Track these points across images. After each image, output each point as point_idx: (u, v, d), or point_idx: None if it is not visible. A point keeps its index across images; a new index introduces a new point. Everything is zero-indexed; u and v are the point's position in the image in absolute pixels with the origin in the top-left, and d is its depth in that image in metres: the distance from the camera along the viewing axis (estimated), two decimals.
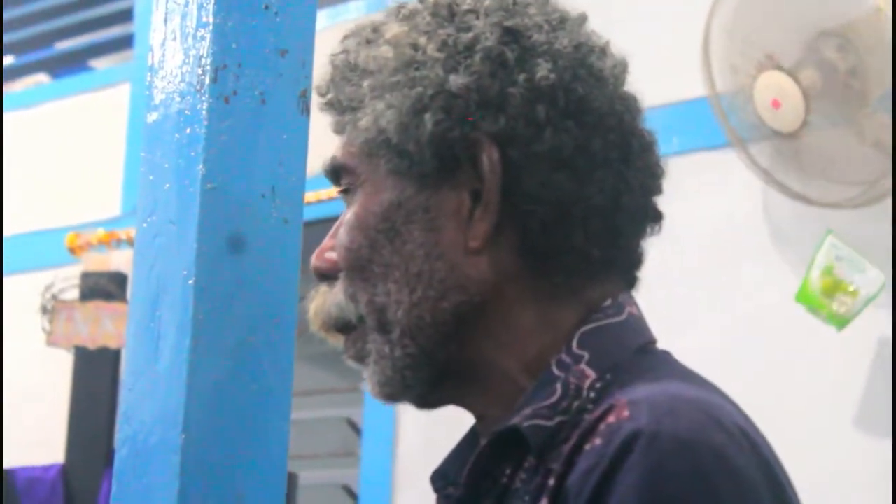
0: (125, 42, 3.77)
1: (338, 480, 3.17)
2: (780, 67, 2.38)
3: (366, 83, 1.04)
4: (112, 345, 3.05)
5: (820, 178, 2.41)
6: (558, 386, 0.99)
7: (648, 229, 1.07)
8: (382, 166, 1.04)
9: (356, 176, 1.06)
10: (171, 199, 0.82)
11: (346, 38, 1.09)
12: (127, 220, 3.35)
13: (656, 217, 1.08)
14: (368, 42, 1.06)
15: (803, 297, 2.37)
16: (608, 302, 1.04)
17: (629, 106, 1.06)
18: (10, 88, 3.96)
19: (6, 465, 3.10)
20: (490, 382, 1.04)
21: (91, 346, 3.07)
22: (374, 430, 3.00)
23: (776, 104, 2.38)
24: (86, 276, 3.11)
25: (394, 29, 1.05)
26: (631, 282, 1.08)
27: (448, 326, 1.02)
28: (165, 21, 0.86)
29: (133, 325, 0.83)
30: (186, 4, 0.84)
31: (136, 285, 0.83)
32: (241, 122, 0.82)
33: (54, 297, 3.09)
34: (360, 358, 1.06)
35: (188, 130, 0.82)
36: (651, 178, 1.07)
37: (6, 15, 3.89)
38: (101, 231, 3.15)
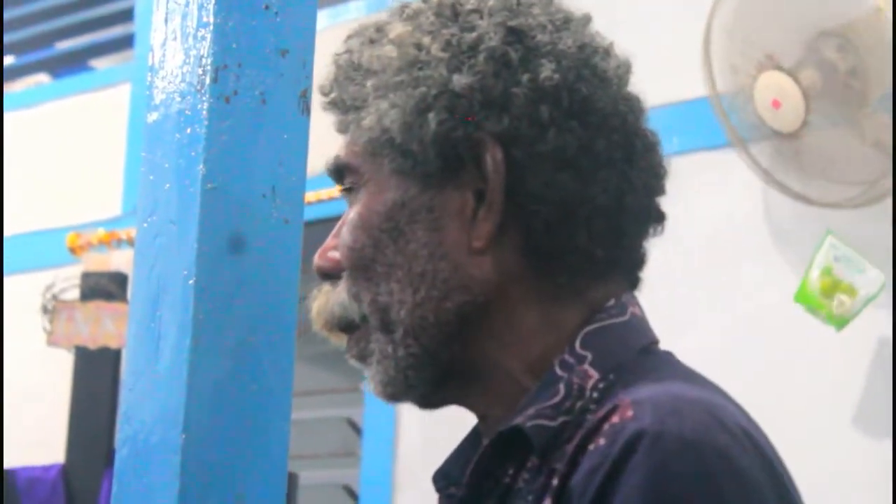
0: (126, 42, 3.77)
1: (338, 480, 3.17)
2: (780, 67, 2.38)
3: (369, 83, 1.04)
4: (112, 345, 3.05)
5: (820, 178, 2.41)
6: (561, 386, 0.99)
7: (651, 230, 1.08)
8: (386, 166, 1.04)
9: (359, 175, 1.06)
10: (171, 199, 0.82)
11: (349, 37, 1.09)
12: (127, 220, 3.35)
13: (659, 217, 1.08)
14: (372, 42, 1.06)
15: (802, 297, 2.37)
16: (611, 302, 1.04)
17: (633, 106, 1.06)
18: (11, 88, 3.96)
19: (7, 464, 3.10)
20: (493, 382, 1.04)
21: (91, 346, 3.07)
22: (374, 430, 3.00)
23: (776, 104, 2.38)
24: (86, 276, 3.11)
25: (397, 28, 1.05)
26: (633, 282, 1.08)
27: (451, 326, 1.02)
28: (166, 21, 0.86)
29: (134, 325, 0.83)
30: (187, 4, 0.84)
31: (136, 285, 0.84)
32: (242, 122, 0.82)
33: (55, 297, 3.09)
34: (363, 357, 1.06)
35: (189, 130, 0.82)
36: (654, 179, 1.07)
37: (6, 15, 3.89)
38: (101, 231, 3.16)
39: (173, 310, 0.80)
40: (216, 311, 0.80)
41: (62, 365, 3.20)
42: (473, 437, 1.09)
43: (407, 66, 1.03)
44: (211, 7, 0.83)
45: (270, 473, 0.80)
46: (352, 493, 3.11)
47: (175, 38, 0.85)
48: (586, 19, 1.08)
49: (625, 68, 1.07)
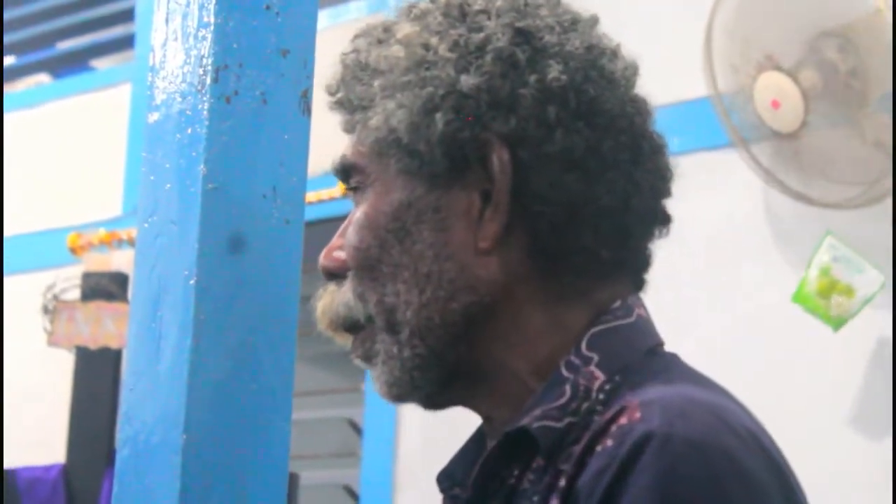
0: (126, 42, 3.77)
1: (339, 481, 3.17)
2: (779, 68, 2.38)
3: (377, 83, 1.04)
4: (113, 345, 3.05)
5: (820, 178, 2.41)
6: (567, 387, 0.99)
7: (657, 231, 1.08)
8: (393, 166, 1.04)
9: (366, 175, 1.06)
10: (172, 199, 0.82)
11: (356, 37, 1.09)
12: (128, 220, 3.35)
13: (665, 219, 1.08)
14: (380, 42, 1.06)
15: (800, 297, 2.37)
16: (617, 304, 1.04)
17: (640, 108, 1.06)
18: (12, 88, 3.96)
19: (7, 465, 3.10)
20: (498, 383, 1.04)
21: (92, 346, 3.07)
22: (374, 431, 3.00)
23: (775, 104, 2.38)
24: (87, 277, 3.11)
25: (405, 29, 1.05)
26: (639, 284, 1.08)
27: (457, 327, 1.02)
28: (167, 21, 0.86)
29: (134, 325, 0.83)
30: (188, 4, 0.84)
31: (137, 285, 0.84)
32: (243, 123, 0.82)
33: (55, 298, 3.09)
34: (368, 358, 1.06)
35: (189, 130, 0.82)
36: (660, 181, 1.07)
37: (7, 15, 3.89)
38: (102, 231, 3.15)
39: (174, 310, 0.80)
40: (217, 311, 0.80)
41: (63, 365, 3.20)
42: (478, 437, 1.09)
43: (414, 66, 1.03)
44: (212, 7, 0.83)
45: (271, 473, 0.80)
46: (352, 494, 3.11)
47: (176, 39, 0.85)
48: (594, 21, 1.08)
49: (632, 70, 1.07)
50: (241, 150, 0.82)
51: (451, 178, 1.03)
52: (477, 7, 1.05)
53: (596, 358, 1.01)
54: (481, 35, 1.03)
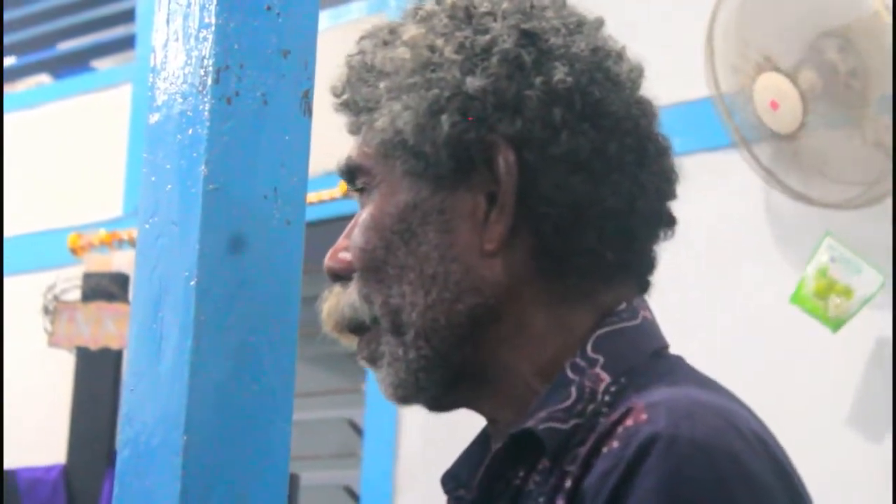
0: (127, 43, 3.77)
1: (339, 481, 3.17)
2: (777, 69, 2.38)
3: (382, 84, 1.04)
4: (114, 346, 3.05)
5: (820, 179, 2.41)
6: (573, 389, 0.99)
7: (662, 234, 1.08)
8: (398, 167, 1.04)
9: (371, 176, 1.06)
10: (173, 199, 0.82)
11: (362, 38, 1.09)
12: (129, 220, 3.35)
13: (670, 221, 1.08)
14: (385, 43, 1.06)
15: (798, 299, 2.37)
16: (622, 306, 1.04)
17: (645, 110, 1.06)
18: (12, 89, 3.96)
19: (7, 465, 3.10)
20: (503, 385, 1.04)
21: (93, 346, 3.07)
22: (375, 432, 3.00)
23: (774, 105, 2.38)
24: (87, 277, 3.12)
25: (411, 30, 1.05)
26: (644, 286, 1.08)
27: (463, 329, 1.02)
28: (168, 22, 0.86)
29: (135, 325, 0.83)
30: (189, 5, 0.85)
31: (137, 286, 0.84)
32: (244, 123, 0.82)
33: (56, 298, 3.10)
34: (374, 360, 1.06)
35: (190, 131, 0.82)
36: (666, 183, 1.07)
37: (8, 15, 3.89)
38: (102, 232, 3.16)
39: (175, 311, 0.80)
40: (218, 312, 0.80)
41: (63, 366, 3.20)
42: (482, 440, 1.09)
43: (420, 67, 1.02)
44: (213, 8, 0.83)
45: (272, 474, 0.80)
46: (353, 494, 3.11)
47: (177, 39, 0.85)
48: (599, 23, 1.08)
49: (637, 72, 1.07)
50: (241, 151, 0.82)
51: (456, 180, 1.03)
52: (483, 9, 1.04)
53: (601, 360, 1.01)
54: (487, 37, 1.03)
